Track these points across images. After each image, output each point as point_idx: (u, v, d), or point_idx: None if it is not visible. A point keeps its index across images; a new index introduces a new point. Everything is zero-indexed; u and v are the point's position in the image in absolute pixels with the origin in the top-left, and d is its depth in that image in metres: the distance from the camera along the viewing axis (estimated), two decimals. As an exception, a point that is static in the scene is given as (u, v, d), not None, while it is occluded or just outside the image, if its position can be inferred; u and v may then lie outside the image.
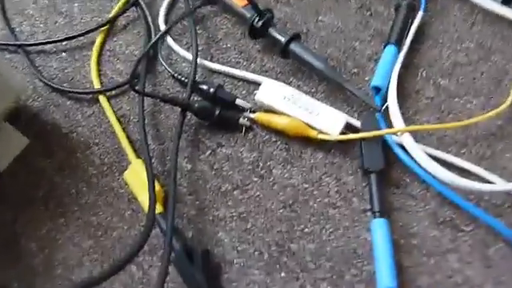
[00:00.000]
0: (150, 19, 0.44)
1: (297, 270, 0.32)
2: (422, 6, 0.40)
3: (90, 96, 0.41)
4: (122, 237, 0.35)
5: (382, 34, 0.40)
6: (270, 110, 0.37)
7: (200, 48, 0.41)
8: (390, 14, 0.42)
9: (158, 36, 0.40)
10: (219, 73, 0.40)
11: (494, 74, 0.38)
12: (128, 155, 0.37)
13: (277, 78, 0.39)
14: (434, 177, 0.33)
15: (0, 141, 0.37)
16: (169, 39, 0.42)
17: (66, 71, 0.42)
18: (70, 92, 0.41)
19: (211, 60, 0.41)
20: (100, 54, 0.43)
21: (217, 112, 0.36)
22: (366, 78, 0.39)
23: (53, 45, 0.44)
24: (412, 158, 0.33)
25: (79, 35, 0.43)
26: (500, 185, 0.33)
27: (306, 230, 0.34)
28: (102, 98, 0.40)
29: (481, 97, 0.37)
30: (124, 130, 0.38)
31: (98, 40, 0.43)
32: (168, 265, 0.30)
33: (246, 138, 0.37)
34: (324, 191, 0.35)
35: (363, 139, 0.34)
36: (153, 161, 0.37)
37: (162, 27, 0.43)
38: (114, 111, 0.39)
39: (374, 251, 0.32)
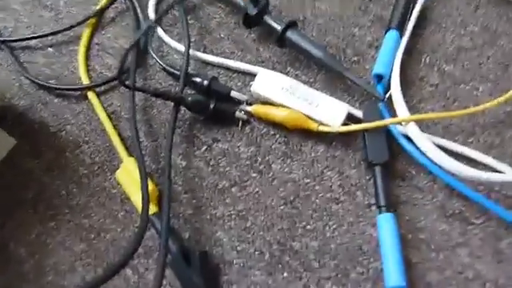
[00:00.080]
0: (139, 10, 0.42)
1: (300, 270, 0.31)
2: (424, -11, 0.39)
3: (79, 92, 0.39)
4: (115, 239, 0.34)
5: (382, 20, 0.39)
6: (267, 102, 0.36)
7: (192, 39, 0.40)
8: (390, -3, 0.40)
9: (146, 26, 0.38)
10: (213, 64, 0.39)
11: (500, 58, 0.37)
12: (119, 153, 0.36)
13: (273, 68, 0.38)
14: (441, 167, 0.31)
15: (-15, 142, 0.36)
16: (159, 30, 0.41)
17: (52, 67, 0.41)
18: (57, 89, 0.40)
19: (204, 51, 0.40)
20: (88, 49, 0.42)
21: (211, 105, 0.35)
22: (367, 66, 0.38)
23: (38, 40, 0.42)
24: (418, 148, 0.32)
25: (66, 29, 0.42)
26: (510, 174, 0.32)
27: (309, 227, 0.33)
28: (91, 95, 0.39)
29: (487, 82, 0.36)
30: (115, 127, 0.37)
31: (86, 33, 0.42)
32: (164, 268, 0.29)
33: (242, 132, 0.36)
34: (326, 186, 0.34)
35: (366, 130, 0.33)
36: (146, 158, 0.36)
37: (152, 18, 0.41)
38: (103, 108, 0.38)
39: (380, 248, 0.31)
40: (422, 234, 0.32)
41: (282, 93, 0.35)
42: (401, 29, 0.37)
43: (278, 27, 0.37)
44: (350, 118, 0.34)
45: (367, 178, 0.34)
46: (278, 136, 0.36)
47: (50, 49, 0.42)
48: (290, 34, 0.37)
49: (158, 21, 0.41)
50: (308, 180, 0.34)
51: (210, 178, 0.35)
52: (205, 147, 0.36)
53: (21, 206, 0.35)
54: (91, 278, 0.32)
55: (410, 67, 0.37)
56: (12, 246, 0.34)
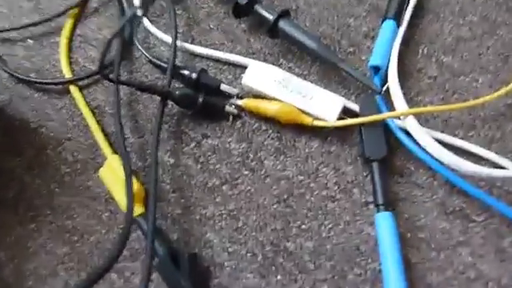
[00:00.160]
0: (124, 0, 0.41)
1: (294, 272, 0.31)
2: (421, -23, 0.38)
3: (61, 87, 0.38)
4: (99, 241, 0.33)
5: (378, 9, 0.38)
6: (258, 96, 0.35)
7: (180, 30, 0.39)
8: (385, -14, 0.39)
9: (129, 15, 0.37)
10: (202, 56, 0.38)
11: (500, 48, 0.36)
12: (103, 150, 0.35)
13: (265, 60, 0.37)
14: (440, 163, 0.31)
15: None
16: (145, 21, 0.39)
17: (32, 60, 0.40)
18: (37, 83, 0.38)
19: (192, 42, 0.38)
20: (70, 40, 0.40)
21: (200, 99, 0.34)
22: (363, 58, 0.37)
23: (18, 32, 0.41)
24: (416, 143, 0.32)
25: (46, 20, 0.40)
26: (513, 169, 0.31)
27: (303, 226, 0.32)
28: (73, 89, 0.38)
29: (487, 74, 0.35)
30: (98, 122, 0.36)
31: (68, 24, 0.40)
32: (150, 271, 0.28)
33: (233, 127, 0.35)
34: (321, 183, 0.33)
35: (363, 124, 0.32)
36: (131, 156, 0.35)
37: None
38: (86, 102, 0.37)
39: (379, 248, 0.30)
40: (422, 233, 0.31)
41: (274, 86, 0.34)
42: (398, 18, 0.36)
43: (270, 17, 0.36)
44: (346, 112, 0.34)
45: (364, 174, 0.33)
46: (270, 131, 0.35)
47: (29, 41, 0.41)
48: (282, 24, 0.36)
49: (145, 10, 0.39)
50: (302, 177, 0.33)
51: (200, 175, 0.34)
52: (193, 143, 0.35)
53: (0, 207, 0.34)
54: (74, 282, 0.32)
55: (407, 58, 0.36)
56: (-10, 249, 0.33)
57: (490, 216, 0.31)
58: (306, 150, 0.34)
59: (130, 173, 0.31)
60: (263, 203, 0.33)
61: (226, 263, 0.31)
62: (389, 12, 0.36)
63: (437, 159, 0.31)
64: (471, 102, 0.32)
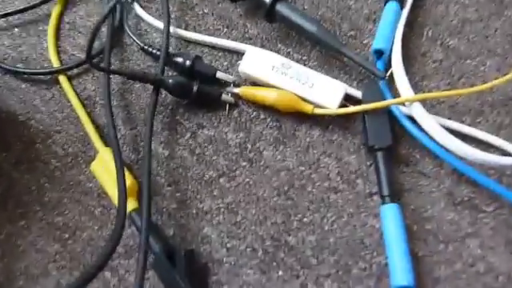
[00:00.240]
0: (113, -16, 0.40)
1: (296, 267, 0.30)
2: (425, -45, 0.37)
3: (49, 77, 0.37)
4: (92, 238, 0.32)
5: None
6: (256, 83, 0.34)
7: (173, 15, 0.38)
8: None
9: None
10: (196, 43, 0.37)
11: (508, 30, 0.35)
12: (95, 143, 0.34)
13: (262, 46, 0.36)
14: (448, 151, 0.30)
15: None
16: (136, 7, 0.38)
17: (19, 49, 0.39)
18: (25, 73, 0.38)
19: (186, 28, 0.38)
20: (58, 28, 0.39)
21: (195, 88, 0.34)
22: (365, 41, 0.36)
23: (3, 20, 0.40)
24: (422, 130, 0.31)
25: (33, 7, 0.39)
26: (523, 157, 0.30)
27: (305, 219, 0.31)
28: (62, 79, 0.37)
29: (495, 57, 0.34)
30: (89, 114, 0.36)
31: (55, 12, 0.39)
32: (144, 269, 0.27)
33: (230, 117, 0.34)
34: (323, 174, 0.32)
35: (366, 112, 0.32)
36: (124, 148, 0.34)
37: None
38: (76, 93, 0.36)
39: (384, 241, 0.29)
40: (429, 225, 0.30)
41: (272, 72, 0.33)
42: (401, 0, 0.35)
43: (267, 0, 0.34)
44: (348, 99, 0.33)
45: (368, 164, 0.32)
46: (269, 120, 0.34)
47: (15, 29, 0.40)
48: (279, 7, 0.35)
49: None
50: (303, 168, 0.33)
51: (196, 168, 0.33)
52: (189, 134, 0.34)
53: (-13, 204, 0.34)
54: (66, 282, 0.31)
55: (411, 42, 0.35)
56: (-22, 248, 0.33)
57: (499, 206, 0.30)
58: (307, 140, 0.33)
59: (121, 166, 0.30)
60: (263, 196, 0.32)
61: (224, 259, 0.31)
62: (392, -7, 0.35)
63: (444, 147, 0.30)
64: (479, 87, 0.31)
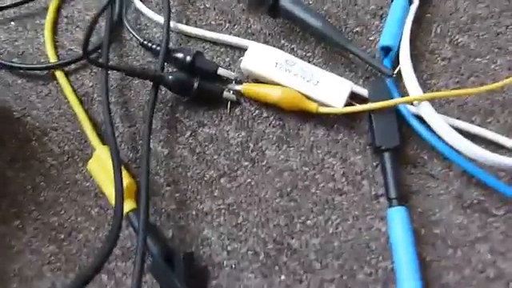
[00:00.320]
0: (112, -23, 0.40)
1: (299, 271, 0.30)
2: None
3: (46, 72, 0.37)
4: (88, 240, 0.32)
5: None
6: (259, 80, 0.34)
7: (173, 10, 0.38)
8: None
9: None
10: (197, 38, 0.37)
11: None
12: (92, 141, 0.34)
13: (266, 42, 0.36)
14: (457, 152, 0.29)
15: None
16: (136, 0, 0.38)
17: (15, 44, 0.38)
18: (21, 68, 0.37)
19: (187, 23, 0.37)
20: (55, 22, 0.39)
21: (196, 85, 0.33)
22: (371, 38, 0.35)
23: None
24: (431, 130, 0.30)
25: (30, 0, 0.39)
26: (535, 159, 0.30)
27: (309, 222, 0.31)
28: (59, 74, 0.36)
29: (506, 55, 0.34)
30: (86, 111, 0.35)
31: (53, 5, 0.39)
32: (142, 272, 0.27)
33: (232, 115, 0.34)
34: (328, 175, 0.32)
35: (372, 111, 0.31)
36: (122, 147, 0.34)
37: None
38: (73, 89, 0.36)
39: (391, 245, 0.29)
40: (437, 229, 0.30)
41: (276, 69, 0.33)
42: (409, -5, 0.35)
43: None
44: (354, 98, 0.33)
45: (374, 165, 0.32)
46: (272, 119, 0.34)
47: (12, 23, 0.39)
48: (283, 1, 0.34)
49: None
50: (307, 168, 0.32)
51: (196, 167, 0.33)
52: (189, 132, 0.34)
53: (-19, 203, 0.33)
54: (61, 284, 0.31)
55: (419, 39, 0.35)
56: (-29, 249, 0.32)
57: (510, 209, 0.30)
58: (311, 139, 0.33)
59: (119, 165, 0.30)
60: (265, 197, 0.32)
61: (225, 262, 0.31)
62: (399, -12, 0.35)
63: (453, 148, 0.30)
64: (489, 86, 0.31)
